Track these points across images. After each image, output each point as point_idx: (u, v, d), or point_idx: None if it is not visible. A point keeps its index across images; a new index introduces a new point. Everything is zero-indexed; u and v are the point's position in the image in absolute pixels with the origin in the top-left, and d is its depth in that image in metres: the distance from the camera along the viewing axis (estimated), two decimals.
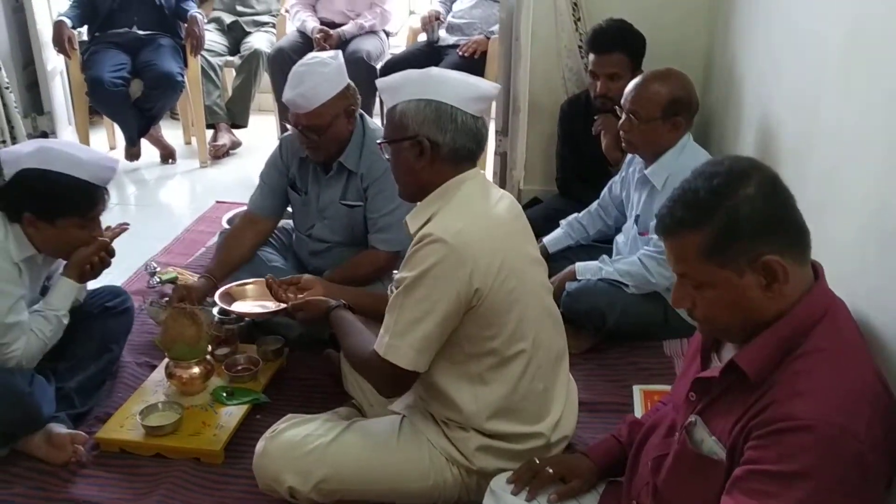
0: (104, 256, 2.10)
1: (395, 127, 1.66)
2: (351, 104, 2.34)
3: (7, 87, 3.65)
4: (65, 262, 2.10)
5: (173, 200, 3.96)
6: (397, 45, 4.30)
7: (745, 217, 1.14)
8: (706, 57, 3.06)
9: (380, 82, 1.73)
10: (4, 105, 3.65)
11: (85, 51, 3.91)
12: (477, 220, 1.61)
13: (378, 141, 1.78)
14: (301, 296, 2.02)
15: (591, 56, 2.78)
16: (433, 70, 1.71)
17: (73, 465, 1.96)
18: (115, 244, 2.15)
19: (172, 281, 2.82)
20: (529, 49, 3.14)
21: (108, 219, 2.18)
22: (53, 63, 4.00)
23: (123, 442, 2.02)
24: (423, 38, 3.99)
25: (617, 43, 2.74)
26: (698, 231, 1.16)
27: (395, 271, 1.78)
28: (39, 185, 1.90)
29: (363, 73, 3.59)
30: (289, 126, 2.41)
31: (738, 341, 1.23)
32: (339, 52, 2.39)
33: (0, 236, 1.92)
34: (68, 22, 3.82)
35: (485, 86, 1.71)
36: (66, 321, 2.05)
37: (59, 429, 1.99)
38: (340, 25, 4.01)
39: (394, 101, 1.66)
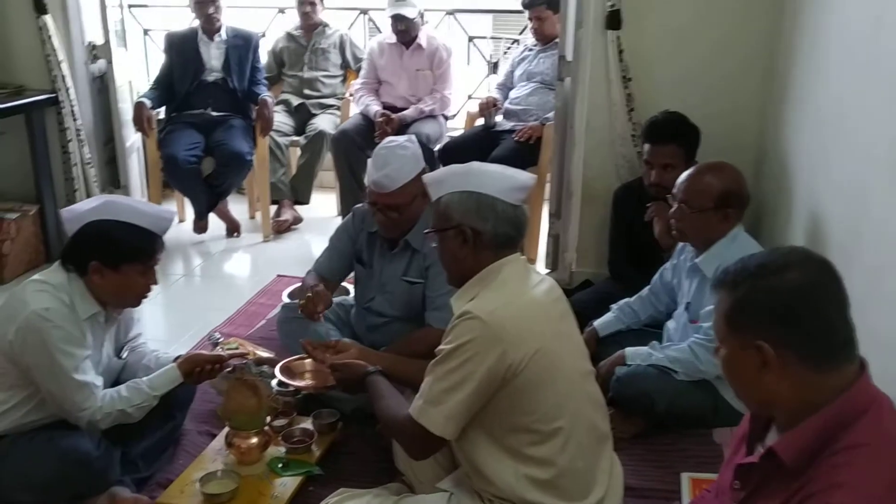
0: (216, 368, 2.23)
1: (441, 217, 1.80)
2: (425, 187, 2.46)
3: (88, 163, 3.91)
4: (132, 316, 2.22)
5: (237, 273, 4.12)
6: (455, 129, 4.45)
7: (759, 300, 1.21)
8: (758, 149, 3.12)
9: (426, 177, 1.88)
10: (85, 179, 3.90)
11: (162, 129, 4.16)
12: (513, 300, 1.71)
13: (425, 231, 1.90)
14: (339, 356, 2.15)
15: (647, 146, 2.86)
16: (474, 164, 1.85)
17: None
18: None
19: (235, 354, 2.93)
20: (584, 136, 3.25)
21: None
22: (131, 140, 4.24)
23: None
24: (480, 122, 4.14)
25: (672, 135, 2.81)
26: (727, 293, 1.25)
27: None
28: (107, 233, 2.04)
29: (422, 154, 3.72)
30: (365, 201, 2.54)
31: (754, 410, 1.30)
32: (414, 137, 2.52)
33: (66, 299, 2.04)
34: (148, 103, 4.08)
35: (522, 177, 1.84)
36: (154, 403, 2.15)
37: (124, 492, 2.09)
38: (402, 109, 4.19)
39: (439, 194, 1.81)
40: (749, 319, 1.21)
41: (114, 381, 2.22)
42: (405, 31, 4.17)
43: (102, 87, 4.11)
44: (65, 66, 3.75)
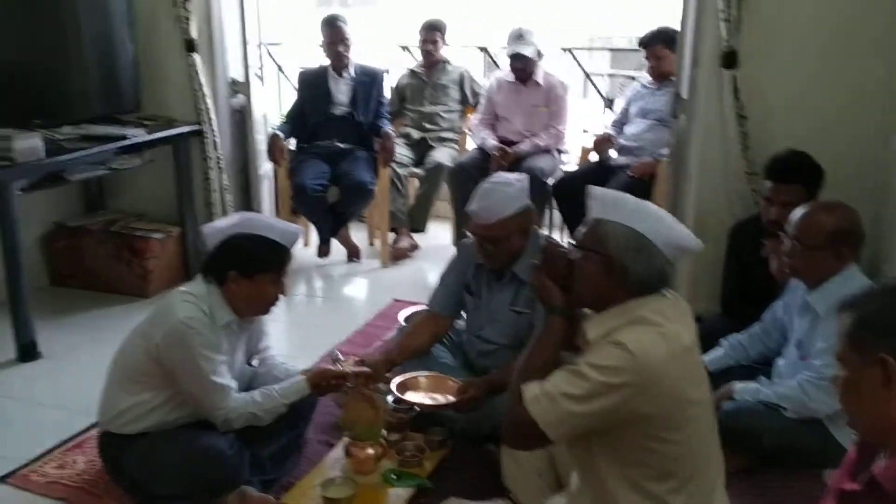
0: (341, 383, 2.41)
1: (596, 239, 1.75)
2: (526, 223, 2.57)
3: (226, 189, 4.22)
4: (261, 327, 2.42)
5: (355, 295, 4.33)
6: (570, 163, 4.54)
7: (883, 313, 1.24)
8: (879, 188, 3.07)
9: (594, 190, 1.82)
10: (223, 204, 4.21)
11: (292, 159, 4.44)
12: (664, 342, 1.67)
13: (571, 241, 1.90)
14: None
15: (769, 183, 2.84)
16: (651, 206, 1.81)
17: None
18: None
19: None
20: (698, 173, 3.28)
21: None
22: (264, 169, 4.52)
23: None
24: (594, 157, 4.22)
25: (795, 173, 2.79)
26: (849, 313, 1.28)
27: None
28: (244, 245, 2.26)
29: (536, 187, 3.83)
30: (469, 234, 2.67)
31: (866, 435, 1.30)
32: (526, 176, 2.63)
33: (206, 308, 2.25)
34: (281, 135, 4.38)
35: (691, 239, 1.80)
36: (282, 410, 2.34)
37: (252, 491, 2.27)
38: (517, 144, 4.32)
39: (602, 215, 1.76)
40: (872, 332, 1.23)
41: (245, 387, 2.41)
42: (523, 68, 4.31)
43: (241, 119, 4.42)
44: (209, 101, 4.07)
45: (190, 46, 4.00)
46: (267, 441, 2.40)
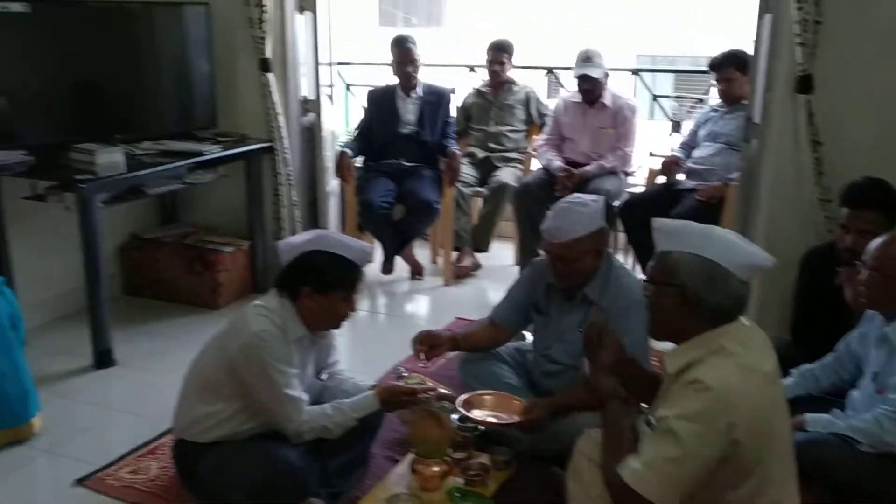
0: (413, 400, 2.45)
1: (665, 272, 1.75)
2: (599, 244, 2.58)
3: (295, 205, 4.31)
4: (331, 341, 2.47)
5: (418, 313, 4.37)
6: (636, 185, 4.52)
7: None
8: None
9: (657, 222, 1.83)
10: (291, 219, 4.30)
11: (359, 177, 4.52)
12: (745, 375, 1.65)
13: (642, 277, 1.92)
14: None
15: (846, 210, 2.77)
16: (715, 230, 1.81)
17: None
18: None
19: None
20: (769, 198, 3.24)
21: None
22: (331, 185, 4.62)
23: None
24: (662, 180, 4.19)
25: (874, 201, 2.73)
26: None
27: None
28: (319, 262, 2.31)
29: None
30: (542, 252, 2.70)
31: None
32: (602, 198, 2.64)
33: (279, 322, 2.31)
34: (349, 152, 4.47)
35: (761, 256, 1.79)
36: (351, 424, 2.39)
37: (319, 503, 2.31)
38: (583, 165, 4.32)
39: (668, 247, 1.76)
40: None
41: (314, 400, 2.46)
42: (590, 90, 4.32)
43: (310, 137, 4.52)
44: (281, 119, 4.18)
45: (264, 66, 4.11)
46: (334, 454, 2.44)
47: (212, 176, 4.08)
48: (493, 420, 2.55)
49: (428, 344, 2.68)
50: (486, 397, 2.62)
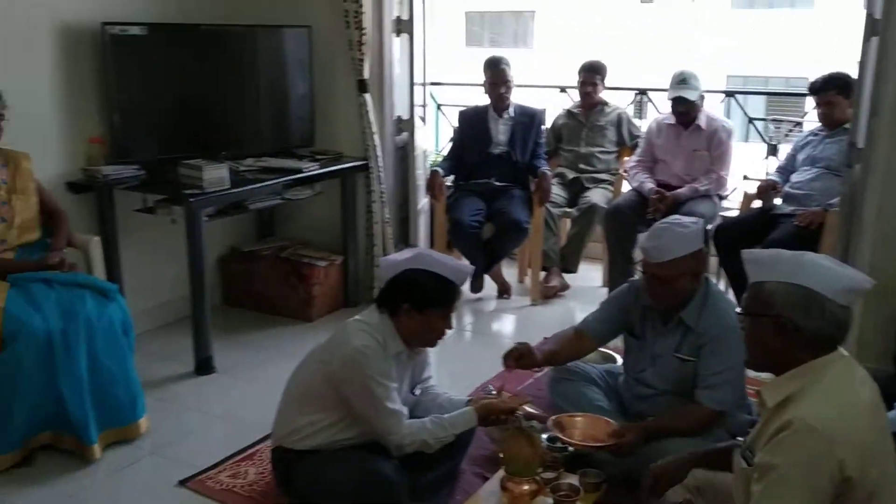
0: (509, 418, 2.49)
1: (760, 303, 1.73)
2: (698, 267, 2.56)
3: (387, 222, 4.41)
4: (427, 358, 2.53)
5: (505, 331, 4.39)
6: (730, 209, 4.44)
7: None
8: None
9: (746, 254, 1.81)
10: (383, 236, 4.40)
11: (450, 196, 4.59)
12: (847, 408, 1.62)
13: (737, 310, 1.89)
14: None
15: None
16: (807, 255, 1.77)
17: None
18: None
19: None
20: (873, 225, 3.14)
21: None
22: (422, 203, 4.70)
23: None
24: (757, 204, 4.11)
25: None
26: None
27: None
28: (419, 280, 2.37)
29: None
30: (634, 275, 2.69)
31: None
32: (701, 220, 2.63)
33: (379, 337, 2.38)
34: (441, 171, 4.54)
35: (859, 278, 1.75)
36: (449, 440, 2.44)
37: None
38: (676, 188, 4.27)
39: (760, 277, 1.74)
40: None
41: (408, 415, 2.51)
42: (685, 112, 4.28)
43: (403, 155, 4.62)
44: (376, 138, 4.28)
45: (362, 87, 4.23)
46: (426, 468, 2.48)
47: (309, 192, 4.21)
48: (586, 442, 2.55)
49: (520, 354, 2.71)
50: (578, 418, 2.63)
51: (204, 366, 3.61)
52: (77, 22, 3.57)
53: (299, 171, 3.96)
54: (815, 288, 1.68)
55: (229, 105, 4.09)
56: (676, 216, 2.71)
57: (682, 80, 4.24)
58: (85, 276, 3.08)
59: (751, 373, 2.55)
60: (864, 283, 1.74)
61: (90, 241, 3.24)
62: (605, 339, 2.87)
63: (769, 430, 1.67)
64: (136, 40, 3.62)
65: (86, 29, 3.59)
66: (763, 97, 12.01)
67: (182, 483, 2.74)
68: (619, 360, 3.08)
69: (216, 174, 3.55)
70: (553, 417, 2.62)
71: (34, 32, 3.44)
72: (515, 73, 4.62)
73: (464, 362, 3.81)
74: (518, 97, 4.72)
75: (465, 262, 2.65)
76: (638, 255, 3.02)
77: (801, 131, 4.48)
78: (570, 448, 2.61)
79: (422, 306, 2.38)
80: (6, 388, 2.70)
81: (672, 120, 4.38)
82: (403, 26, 4.35)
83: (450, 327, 2.46)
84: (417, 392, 2.65)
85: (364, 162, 4.31)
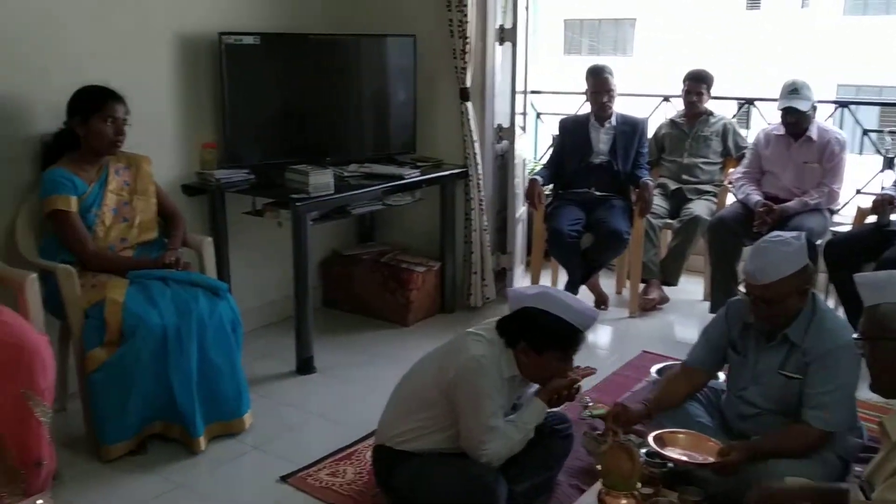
0: (573, 392, 2.48)
1: (877, 325, 1.71)
2: (804, 284, 2.47)
3: (485, 229, 4.43)
4: (536, 387, 2.52)
5: (601, 343, 4.33)
6: (841, 224, 4.26)
7: None
8: None
9: (859, 278, 1.80)
10: (481, 243, 4.42)
11: (549, 204, 4.57)
12: None
13: (854, 336, 1.84)
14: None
15: None
16: None
17: None
18: None
19: (601, 416, 3.12)
20: None
21: None
22: (520, 211, 4.70)
23: None
24: (872, 219, 3.93)
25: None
26: None
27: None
28: (539, 322, 2.34)
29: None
30: (738, 292, 2.62)
31: None
32: (803, 234, 2.54)
33: (497, 355, 2.39)
34: (540, 180, 4.52)
35: None
36: (531, 435, 2.44)
37: None
38: (784, 201, 4.13)
39: (875, 300, 1.73)
40: None
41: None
42: (796, 123, 4.13)
43: (502, 164, 4.65)
44: (476, 146, 4.32)
45: (464, 95, 4.27)
46: (523, 478, 2.49)
47: (409, 198, 4.27)
48: (685, 458, 2.49)
49: (622, 421, 2.59)
50: (680, 435, 2.57)
51: (305, 365, 3.71)
52: (195, 33, 3.75)
53: (400, 177, 4.03)
54: None
55: (335, 112, 4.21)
56: (778, 232, 2.61)
57: (793, 90, 4.10)
58: (198, 275, 3.21)
59: (862, 394, 2.44)
60: None
61: (203, 242, 3.38)
62: (715, 367, 2.79)
63: (892, 465, 1.62)
64: (249, 49, 3.77)
65: (203, 39, 3.76)
66: (876, 108, 11.49)
67: (283, 479, 2.82)
68: (722, 377, 3.00)
69: (321, 179, 3.65)
70: (654, 433, 2.57)
71: (156, 42, 3.63)
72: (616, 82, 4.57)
73: None
74: (619, 106, 4.67)
75: (591, 306, 2.60)
76: (741, 274, 2.93)
77: None
78: (670, 464, 2.56)
79: (538, 348, 2.37)
80: (125, 380, 2.85)
81: (781, 131, 4.23)
82: (507, 35, 4.37)
83: (570, 370, 2.46)
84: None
85: (464, 169, 4.35)
